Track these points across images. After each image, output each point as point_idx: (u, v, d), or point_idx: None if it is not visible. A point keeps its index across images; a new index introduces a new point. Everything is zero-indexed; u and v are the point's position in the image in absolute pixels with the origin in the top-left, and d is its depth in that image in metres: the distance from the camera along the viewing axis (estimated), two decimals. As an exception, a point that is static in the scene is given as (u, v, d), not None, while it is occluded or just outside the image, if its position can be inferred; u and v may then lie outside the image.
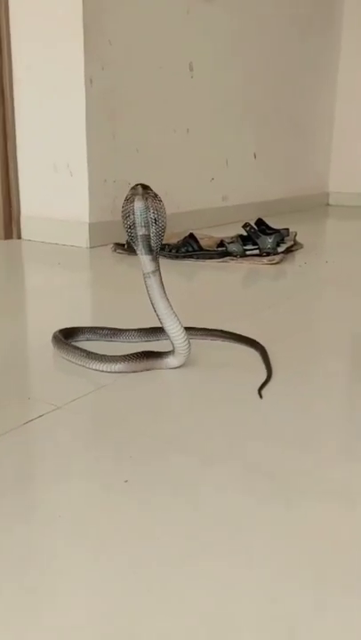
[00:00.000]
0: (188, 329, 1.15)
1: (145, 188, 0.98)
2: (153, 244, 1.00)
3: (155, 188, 1.01)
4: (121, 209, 1.01)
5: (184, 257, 2.06)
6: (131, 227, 1.00)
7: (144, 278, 1.00)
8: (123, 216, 1.01)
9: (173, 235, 2.51)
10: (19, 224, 2.56)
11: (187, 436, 0.83)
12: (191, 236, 2.10)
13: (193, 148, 2.82)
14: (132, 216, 1.00)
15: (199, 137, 2.84)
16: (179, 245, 2.09)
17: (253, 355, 1.15)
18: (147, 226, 1.00)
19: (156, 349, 1.08)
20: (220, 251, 2.10)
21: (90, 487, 0.71)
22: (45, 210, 2.48)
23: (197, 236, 2.13)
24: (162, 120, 2.63)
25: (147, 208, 0.99)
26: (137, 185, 0.98)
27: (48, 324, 1.28)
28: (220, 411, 0.92)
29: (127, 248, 2.18)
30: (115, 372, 1.03)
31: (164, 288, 1.00)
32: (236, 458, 0.78)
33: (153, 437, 0.82)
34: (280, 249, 2.12)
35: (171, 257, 2.06)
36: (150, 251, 1.00)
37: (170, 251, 2.07)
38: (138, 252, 1.00)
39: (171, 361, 1.05)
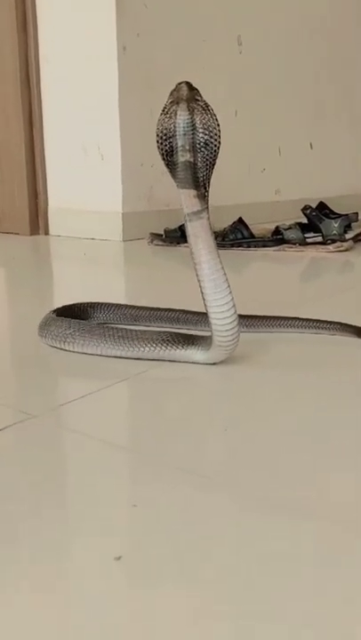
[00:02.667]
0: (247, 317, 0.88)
1: (192, 89, 0.72)
2: (200, 174, 0.73)
3: None
4: (156, 128, 0.75)
5: (232, 245, 1.79)
6: (168, 152, 0.74)
7: (186, 224, 0.73)
8: (158, 137, 0.74)
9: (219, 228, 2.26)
10: (46, 218, 2.33)
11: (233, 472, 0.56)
12: (241, 220, 1.84)
13: (241, 134, 2.56)
14: (170, 139, 0.73)
15: (248, 121, 2.59)
16: (226, 232, 1.83)
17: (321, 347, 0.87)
18: (191, 150, 0.73)
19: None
20: (276, 238, 1.82)
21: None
22: (74, 200, 2.25)
23: (248, 223, 1.86)
24: (206, 99, 2.39)
25: (193, 126, 0.73)
26: (180, 84, 0.71)
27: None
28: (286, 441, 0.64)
29: (165, 238, 1.93)
30: (113, 357, 0.77)
31: (214, 239, 0.72)
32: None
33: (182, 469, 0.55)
34: (348, 235, 1.83)
35: (217, 245, 1.79)
36: (196, 183, 0.73)
37: (216, 238, 1.79)
38: (177, 185, 0.74)
39: (200, 354, 0.74)
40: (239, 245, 1.79)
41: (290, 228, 1.81)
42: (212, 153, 0.73)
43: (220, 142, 0.73)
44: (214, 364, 0.75)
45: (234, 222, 1.86)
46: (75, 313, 0.93)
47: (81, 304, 0.96)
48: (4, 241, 2.31)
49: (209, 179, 0.74)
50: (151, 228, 2.08)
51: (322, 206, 1.96)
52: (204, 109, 0.73)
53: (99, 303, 0.97)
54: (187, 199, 0.72)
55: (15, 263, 1.89)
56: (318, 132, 3.03)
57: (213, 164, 0.74)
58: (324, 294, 1.32)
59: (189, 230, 0.72)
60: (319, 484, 0.49)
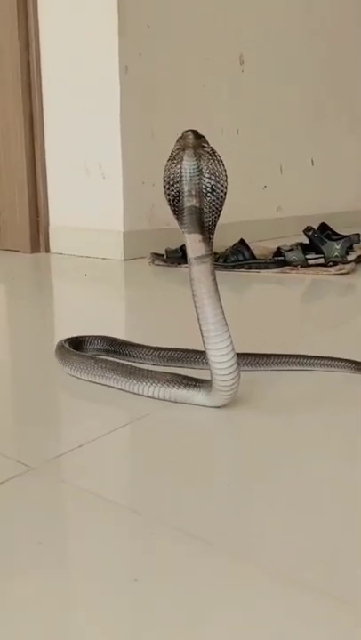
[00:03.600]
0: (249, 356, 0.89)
1: (198, 137, 0.73)
2: (206, 219, 0.74)
3: None
4: (164, 172, 0.76)
5: (234, 267, 1.81)
6: (174, 197, 0.75)
7: (189, 267, 0.74)
8: (165, 183, 0.76)
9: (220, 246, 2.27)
10: (47, 235, 2.35)
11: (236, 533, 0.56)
12: (242, 242, 1.85)
13: (243, 152, 2.58)
14: (178, 183, 0.74)
15: (250, 139, 2.61)
16: (228, 254, 1.84)
17: (329, 384, 0.88)
18: (199, 196, 0.74)
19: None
20: (277, 260, 1.83)
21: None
22: (75, 218, 2.26)
23: (250, 245, 1.87)
24: (208, 118, 2.41)
25: (200, 171, 0.74)
26: (187, 132, 0.73)
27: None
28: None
29: (166, 258, 1.94)
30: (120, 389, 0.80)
31: (216, 284, 0.73)
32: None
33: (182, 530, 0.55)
34: (350, 257, 1.84)
35: (218, 267, 1.80)
36: (201, 228, 0.74)
37: (217, 260, 1.81)
38: (183, 230, 0.75)
39: (202, 398, 0.76)
40: (241, 267, 1.80)
41: (291, 249, 1.83)
42: (218, 198, 0.74)
43: (226, 188, 0.74)
44: (217, 407, 0.76)
45: (235, 244, 1.87)
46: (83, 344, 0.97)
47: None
48: (4, 258, 2.33)
49: (215, 224, 0.75)
50: (152, 247, 2.09)
51: (324, 227, 1.98)
52: (210, 155, 0.74)
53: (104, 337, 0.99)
54: (192, 244, 0.73)
55: (16, 282, 1.90)
56: (320, 149, 3.05)
57: (220, 210, 0.74)
58: (326, 321, 1.32)
59: (192, 274, 0.73)
60: (334, 556, 0.49)
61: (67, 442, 0.69)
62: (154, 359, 0.92)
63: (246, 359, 0.89)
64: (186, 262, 0.75)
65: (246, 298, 1.69)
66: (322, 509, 0.55)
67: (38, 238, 2.35)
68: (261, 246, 1.98)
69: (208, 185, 0.74)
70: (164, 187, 0.75)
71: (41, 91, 2.24)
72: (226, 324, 0.72)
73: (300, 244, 1.89)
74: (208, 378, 0.74)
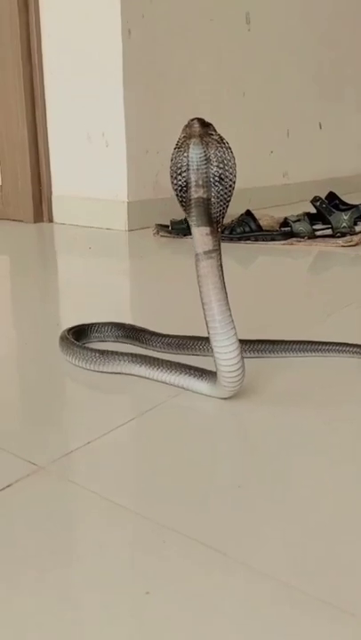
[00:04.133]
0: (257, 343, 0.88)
1: (205, 125, 0.71)
2: (214, 211, 0.73)
3: None
4: (170, 162, 0.74)
5: (240, 239, 1.78)
6: (182, 188, 0.73)
7: (196, 262, 0.73)
8: (172, 172, 0.74)
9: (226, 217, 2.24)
10: (50, 205, 2.32)
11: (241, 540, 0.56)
12: (248, 213, 1.82)
13: (249, 116, 2.52)
14: (185, 173, 0.73)
15: (257, 102, 2.55)
16: (233, 225, 1.81)
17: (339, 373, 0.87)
18: (206, 185, 0.72)
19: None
20: (284, 231, 1.81)
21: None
22: (78, 188, 2.23)
23: (256, 215, 1.84)
24: (213, 81, 2.35)
25: (207, 159, 0.72)
26: (193, 120, 0.70)
27: (73, 321, 1.03)
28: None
29: (171, 230, 1.92)
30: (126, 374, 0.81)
31: (223, 280, 0.72)
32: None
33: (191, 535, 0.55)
34: (358, 227, 1.82)
35: (224, 239, 1.78)
36: (209, 220, 0.72)
37: (223, 231, 1.79)
38: (190, 223, 0.73)
39: (207, 388, 0.76)
40: (247, 239, 1.78)
41: (298, 219, 1.80)
42: (226, 188, 0.72)
43: (235, 177, 0.72)
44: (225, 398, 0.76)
45: (241, 215, 1.84)
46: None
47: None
48: (8, 228, 2.30)
49: (223, 216, 0.73)
50: (157, 217, 2.06)
51: (332, 196, 1.94)
52: (218, 143, 0.71)
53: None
54: (199, 237, 0.72)
55: (19, 254, 1.89)
56: (328, 112, 2.98)
57: (228, 201, 0.73)
58: (334, 298, 1.31)
59: (199, 270, 0.72)
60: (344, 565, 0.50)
61: (74, 438, 0.69)
62: (162, 346, 0.92)
63: (253, 346, 0.88)
64: (191, 234, 0.73)
65: (252, 271, 1.68)
66: (335, 514, 0.55)
67: (41, 208, 2.33)
68: (268, 216, 1.95)
69: (216, 174, 0.72)
70: (171, 176, 0.74)
71: (41, 56, 2.18)
72: (232, 322, 0.71)
73: (308, 214, 1.86)
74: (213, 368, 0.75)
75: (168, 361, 0.81)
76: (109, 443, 0.67)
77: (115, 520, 0.55)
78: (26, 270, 1.67)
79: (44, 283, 1.53)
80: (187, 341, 0.90)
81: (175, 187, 0.73)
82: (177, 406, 0.75)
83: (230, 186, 0.72)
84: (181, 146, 0.72)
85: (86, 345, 0.91)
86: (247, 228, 1.78)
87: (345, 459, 0.65)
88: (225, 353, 0.71)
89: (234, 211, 2.38)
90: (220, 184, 0.72)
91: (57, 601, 0.45)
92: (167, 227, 1.94)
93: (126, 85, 2.02)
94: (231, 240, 1.78)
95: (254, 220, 1.79)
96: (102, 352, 0.84)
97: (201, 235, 0.72)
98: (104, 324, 0.98)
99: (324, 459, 0.64)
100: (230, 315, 0.71)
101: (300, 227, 1.78)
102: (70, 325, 0.96)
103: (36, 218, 2.32)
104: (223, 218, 0.73)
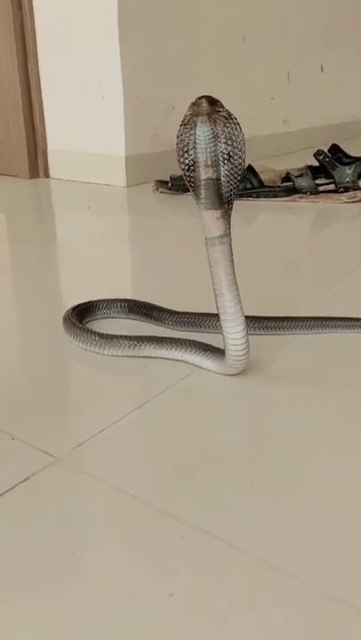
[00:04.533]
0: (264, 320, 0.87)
1: (213, 103, 0.68)
2: (225, 191, 0.71)
3: None
4: (176, 139, 0.72)
5: (241, 195, 1.75)
6: (190, 167, 0.71)
7: (206, 247, 0.71)
8: (178, 150, 0.71)
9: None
10: (45, 160, 2.26)
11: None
12: (250, 168, 1.78)
13: (249, 61, 2.44)
14: (192, 151, 0.70)
15: (256, 46, 2.45)
16: (236, 182, 1.77)
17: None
18: (215, 165, 0.70)
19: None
20: (286, 186, 1.77)
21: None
22: (74, 142, 2.17)
23: (257, 169, 1.80)
24: (213, 25, 2.26)
25: (215, 137, 0.69)
26: (201, 98, 0.68)
27: (75, 293, 1.02)
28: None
29: (171, 186, 1.88)
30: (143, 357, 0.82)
31: (233, 265, 0.71)
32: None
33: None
34: (362, 183, 1.78)
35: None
36: (220, 202, 0.70)
37: (226, 189, 1.75)
38: (199, 205, 0.71)
39: (215, 365, 0.77)
40: (249, 196, 1.75)
41: (301, 174, 1.76)
42: (236, 167, 0.70)
43: (244, 154, 0.70)
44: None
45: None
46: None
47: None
48: (3, 183, 2.26)
49: (234, 196, 0.71)
50: (156, 172, 2.02)
51: (335, 149, 1.89)
52: (226, 119, 0.69)
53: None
54: (210, 221, 0.70)
55: (15, 213, 1.86)
56: (330, 53, 2.88)
57: (239, 180, 0.71)
58: (338, 260, 1.29)
59: (210, 255, 0.70)
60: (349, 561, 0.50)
61: (88, 426, 0.68)
62: (173, 324, 0.91)
63: (262, 323, 0.87)
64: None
65: (255, 230, 1.65)
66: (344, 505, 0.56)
67: (37, 163, 2.27)
68: (269, 169, 1.91)
69: (225, 151, 0.70)
70: (178, 153, 0.71)
71: (32, 3, 2.08)
72: (241, 308, 0.71)
73: (310, 167, 1.82)
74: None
75: (174, 339, 0.81)
76: (122, 430, 0.68)
77: (133, 516, 0.55)
78: (23, 232, 1.64)
79: (43, 247, 1.51)
80: (196, 319, 0.89)
81: (182, 165, 0.71)
82: (186, 389, 0.75)
83: (240, 163, 0.70)
84: (188, 122, 0.69)
85: (92, 322, 0.90)
86: (249, 185, 1.75)
87: (355, 446, 0.65)
88: (234, 335, 0.72)
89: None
90: (230, 162, 0.70)
91: (77, 606, 0.46)
92: (167, 183, 1.91)
93: (122, 34, 1.94)
94: (233, 197, 1.74)
95: (256, 175, 1.76)
96: (106, 336, 0.84)
97: (211, 218, 0.70)
98: (110, 301, 0.97)
99: (336, 448, 0.65)
100: (240, 301, 0.71)
101: (303, 182, 1.74)
102: (72, 298, 0.96)
103: (32, 173, 2.27)
104: (233, 199, 0.71)
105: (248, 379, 0.77)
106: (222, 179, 0.70)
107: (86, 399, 0.76)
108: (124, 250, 1.51)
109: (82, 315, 0.92)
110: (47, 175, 2.27)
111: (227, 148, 0.70)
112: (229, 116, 0.69)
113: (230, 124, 0.69)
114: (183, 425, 0.69)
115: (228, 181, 0.70)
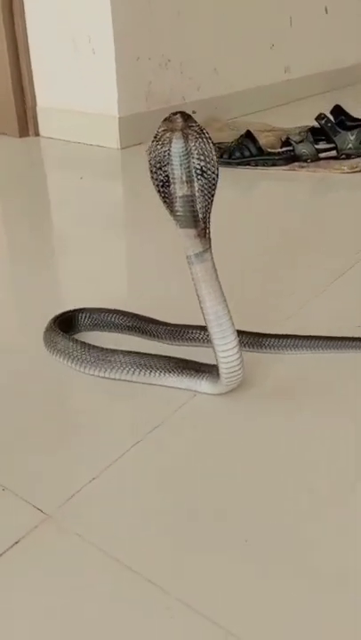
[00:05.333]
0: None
1: (186, 118, 0.64)
2: (199, 207, 0.67)
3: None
4: (147, 154, 0.68)
5: (239, 164, 1.69)
6: (163, 183, 0.67)
7: (188, 264, 0.68)
8: (151, 166, 0.68)
9: (223, 125, 2.12)
10: (35, 118, 2.19)
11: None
12: (248, 134, 1.71)
13: (248, 7, 2.31)
14: (166, 167, 0.66)
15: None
16: (232, 148, 1.71)
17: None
18: (189, 181, 0.66)
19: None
20: (286, 153, 1.70)
21: None
22: (65, 101, 2.09)
23: (255, 133, 1.73)
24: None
25: (188, 153, 0.66)
26: (175, 114, 0.64)
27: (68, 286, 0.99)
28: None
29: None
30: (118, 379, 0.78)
31: (218, 279, 0.68)
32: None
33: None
34: (365, 149, 1.71)
35: (222, 164, 1.68)
36: (195, 221, 0.67)
37: (221, 156, 1.69)
38: (176, 224, 0.68)
39: (207, 385, 0.75)
40: (246, 164, 1.68)
41: (302, 140, 1.69)
42: (210, 182, 0.67)
43: (218, 169, 0.67)
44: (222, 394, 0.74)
45: (240, 136, 1.73)
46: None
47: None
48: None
49: (209, 213, 0.68)
50: (151, 132, 1.94)
51: (338, 111, 1.80)
52: (198, 135, 0.65)
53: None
54: (187, 240, 0.67)
55: (3, 173, 1.81)
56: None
57: (212, 195, 0.67)
58: (339, 241, 1.25)
59: (193, 274, 0.68)
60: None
61: (81, 472, 0.64)
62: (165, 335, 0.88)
63: (259, 341, 0.84)
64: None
65: (251, 199, 1.60)
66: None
67: (26, 120, 2.19)
68: (268, 131, 1.84)
69: (198, 166, 0.66)
70: (151, 170, 0.68)
71: None
72: (229, 320, 0.69)
73: (311, 130, 1.74)
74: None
75: (163, 360, 0.77)
76: (115, 477, 0.63)
77: (121, 585, 0.52)
78: (13, 208, 1.60)
79: (34, 223, 1.47)
80: (186, 331, 0.86)
81: (156, 182, 0.68)
82: (183, 418, 0.72)
83: (213, 180, 0.67)
84: (161, 138, 0.66)
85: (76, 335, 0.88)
86: (247, 152, 1.68)
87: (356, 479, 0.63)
88: (224, 352, 0.70)
89: (231, 115, 2.27)
90: (203, 177, 0.66)
91: None
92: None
93: (112, -17, 1.83)
94: (229, 165, 1.68)
95: (254, 141, 1.69)
96: (96, 354, 0.79)
97: (188, 237, 0.67)
98: (95, 311, 0.91)
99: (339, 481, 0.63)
100: (230, 316, 0.69)
101: (303, 148, 1.68)
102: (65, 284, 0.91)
103: (22, 132, 2.20)
104: (209, 216, 0.68)
105: (244, 399, 0.74)
106: (196, 194, 0.67)
107: (75, 436, 0.71)
108: (119, 219, 1.46)
109: (66, 325, 0.88)
110: (37, 134, 2.20)
111: (199, 163, 0.66)
112: (201, 131, 0.65)
113: (203, 138, 0.65)
114: (182, 469, 0.65)
115: (202, 196, 0.67)
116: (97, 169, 1.86)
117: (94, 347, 0.80)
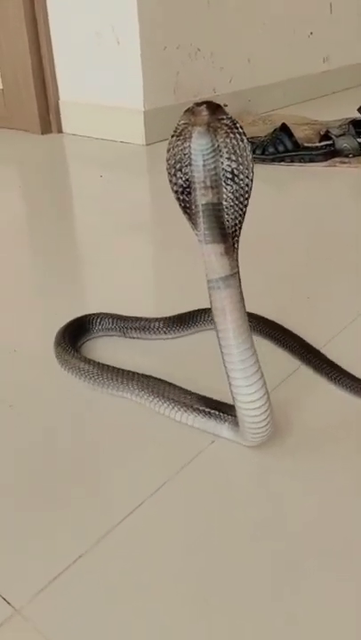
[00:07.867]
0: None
1: (214, 110, 0.52)
2: (228, 219, 0.56)
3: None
4: (166, 153, 0.57)
5: (273, 160, 1.57)
6: (183, 189, 0.56)
7: (209, 290, 0.57)
8: (169, 167, 0.56)
9: (256, 119, 2.00)
10: (57, 114, 2.10)
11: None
12: (284, 128, 1.59)
13: (284, -8, 2.19)
14: (186, 168, 0.55)
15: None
16: (266, 143, 1.59)
17: None
18: (215, 186, 0.55)
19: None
20: (325, 148, 1.58)
21: None
22: (88, 94, 2.00)
23: (291, 127, 1.61)
24: None
25: (216, 150, 0.54)
26: (199, 105, 0.52)
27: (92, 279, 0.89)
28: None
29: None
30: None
31: (245, 311, 0.57)
32: None
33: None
34: None
35: (256, 159, 1.57)
36: (222, 235, 0.56)
37: (253, 151, 1.57)
38: (198, 238, 0.57)
39: (231, 434, 0.63)
40: (281, 160, 1.56)
41: (342, 133, 1.57)
42: (242, 188, 0.55)
43: (252, 173, 0.55)
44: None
45: (275, 130, 1.61)
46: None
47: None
48: (13, 139, 2.11)
49: (240, 226, 0.56)
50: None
51: (381, 101, 1.68)
52: (229, 129, 0.53)
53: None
54: (211, 259, 0.56)
55: (26, 173, 1.72)
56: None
57: (245, 206, 0.56)
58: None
59: (214, 302, 0.56)
60: None
61: (55, 558, 0.52)
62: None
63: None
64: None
65: (285, 199, 1.48)
66: None
67: (48, 117, 2.11)
68: (305, 125, 1.72)
69: (228, 169, 0.55)
70: (169, 173, 0.56)
71: None
72: (257, 365, 0.57)
73: (353, 122, 1.62)
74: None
75: (184, 394, 0.67)
76: (101, 558, 0.52)
77: None
78: (36, 208, 1.51)
79: (57, 226, 1.37)
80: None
81: (174, 187, 0.56)
82: (198, 470, 0.61)
83: (246, 186, 0.55)
84: (182, 132, 0.54)
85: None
86: (281, 147, 1.56)
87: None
88: (248, 403, 0.58)
89: (265, 108, 2.15)
90: (233, 183, 0.55)
91: None
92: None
93: (137, -32, 1.73)
94: (263, 161, 1.56)
95: (290, 136, 1.57)
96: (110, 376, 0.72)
97: (213, 255, 0.56)
98: (106, 316, 0.85)
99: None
100: (256, 358, 0.57)
101: (345, 142, 1.55)
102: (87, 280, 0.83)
103: (44, 128, 2.11)
104: (240, 231, 0.56)
105: (274, 451, 0.63)
106: (224, 203, 0.55)
107: (52, 504, 0.59)
108: (141, 219, 1.36)
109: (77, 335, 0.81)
110: (60, 130, 2.11)
111: (230, 165, 0.54)
112: (234, 125, 0.54)
113: (235, 134, 0.54)
114: (189, 553, 0.53)
115: (232, 207, 0.55)
116: (120, 166, 1.76)
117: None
